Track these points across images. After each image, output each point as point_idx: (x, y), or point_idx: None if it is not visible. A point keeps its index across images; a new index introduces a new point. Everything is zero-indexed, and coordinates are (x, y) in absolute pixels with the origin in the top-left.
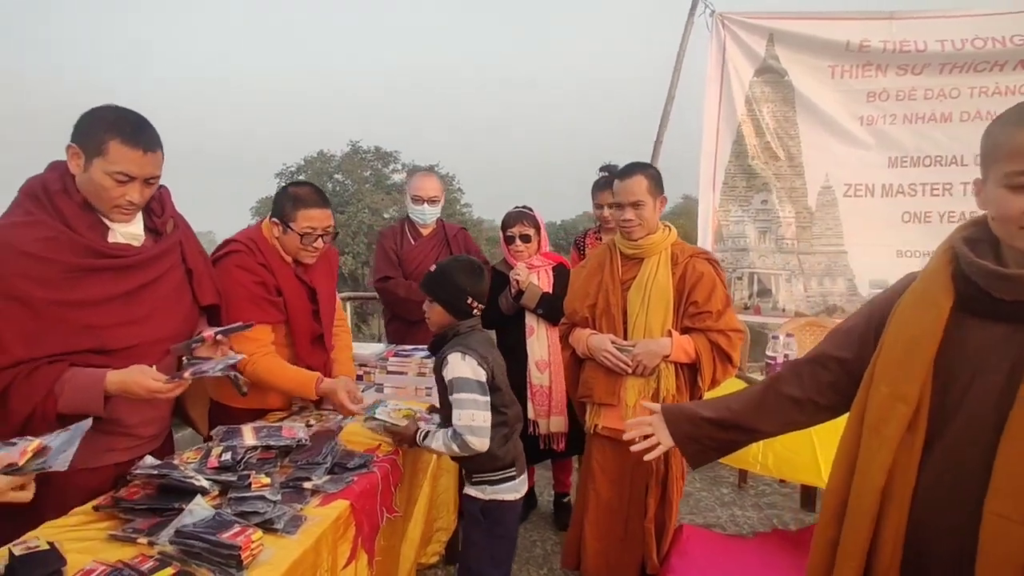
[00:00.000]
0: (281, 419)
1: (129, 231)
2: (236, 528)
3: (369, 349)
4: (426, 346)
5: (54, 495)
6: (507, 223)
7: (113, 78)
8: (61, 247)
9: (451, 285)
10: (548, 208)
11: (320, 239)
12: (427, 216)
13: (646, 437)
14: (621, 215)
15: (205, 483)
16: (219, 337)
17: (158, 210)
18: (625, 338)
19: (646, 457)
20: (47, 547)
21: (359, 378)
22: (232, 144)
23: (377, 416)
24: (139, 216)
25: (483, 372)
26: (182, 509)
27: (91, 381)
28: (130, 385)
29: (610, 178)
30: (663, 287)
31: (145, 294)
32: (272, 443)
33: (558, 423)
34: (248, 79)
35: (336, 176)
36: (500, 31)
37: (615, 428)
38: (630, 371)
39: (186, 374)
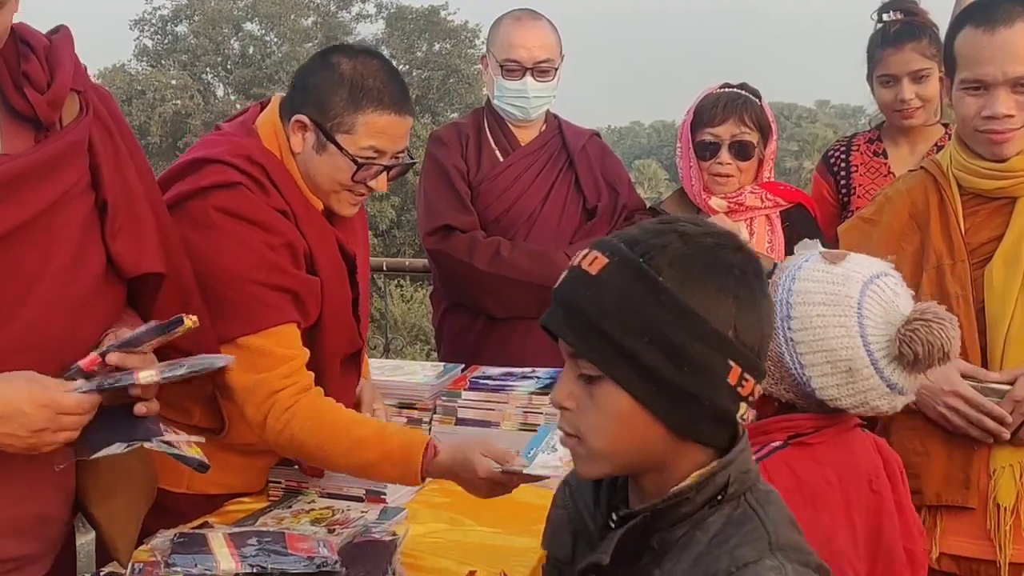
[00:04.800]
0: (256, 513)
1: None
2: None
3: (416, 374)
4: (531, 370)
5: None
6: (704, 117)
7: None
8: None
9: (675, 323)
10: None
11: (383, 174)
12: (531, 103)
13: None
14: (983, 106)
15: None
16: (113, 357)
17: (38, 75)
18: (985, 363)
19: None
20: None
21: None
22: None
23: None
24: None
25: None
26: None
27: None
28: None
29: (909, 23)
30: None
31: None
32: (271, 567)
33: None
34: None
35: (247, 27)
36: None
37: (968, 555)
38: (1007, 435)
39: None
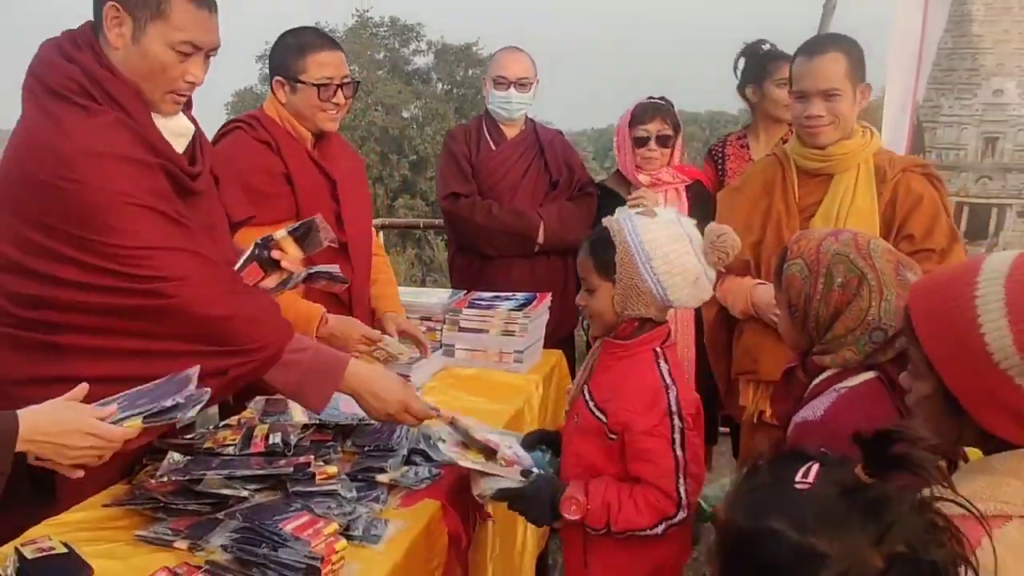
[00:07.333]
0: None
1: (178, 127)
2: (304, 518)
3: (432, 297)
4: (511, 294)
5: (64, 484)
6: (637, 119)
7: None
8: (138, 144)
9: None
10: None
11: (339, 92)
12: (513, 107)
13: None
14: (805, 110)
15: (245, 491)
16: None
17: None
18: None
19: None
20: (64, 550)
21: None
22: None
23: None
24: None
25: None
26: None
27: (333, 361)
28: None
29: (772, 52)
30: (864, 215)
31: (198, 215)
32: (327, 419)
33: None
34: None
35: None
36: None
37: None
38: None
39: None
